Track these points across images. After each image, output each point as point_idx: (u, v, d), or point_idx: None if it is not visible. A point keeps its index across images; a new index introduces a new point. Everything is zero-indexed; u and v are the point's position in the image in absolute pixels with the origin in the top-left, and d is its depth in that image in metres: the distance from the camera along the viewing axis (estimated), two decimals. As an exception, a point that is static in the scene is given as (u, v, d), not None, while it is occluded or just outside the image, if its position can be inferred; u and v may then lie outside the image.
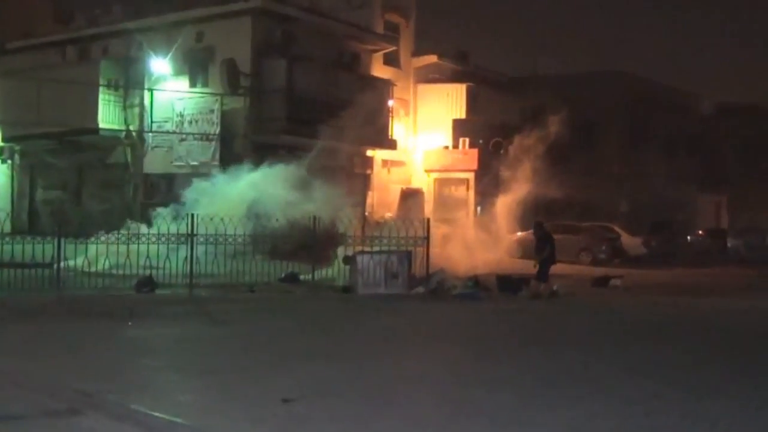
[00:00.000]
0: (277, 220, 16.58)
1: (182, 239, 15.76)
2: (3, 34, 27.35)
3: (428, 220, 17.18)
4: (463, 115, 27.86)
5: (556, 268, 19.22)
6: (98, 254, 15.90)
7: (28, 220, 26.27)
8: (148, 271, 15.84)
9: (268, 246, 17.23)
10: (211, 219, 15.74)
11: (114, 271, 16.04)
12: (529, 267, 21.14)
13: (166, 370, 8.93)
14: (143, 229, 17.21)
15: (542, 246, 16.98)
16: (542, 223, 17.77)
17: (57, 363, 9.05)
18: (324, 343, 10.77)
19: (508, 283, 17.47)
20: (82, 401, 7.23)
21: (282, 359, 9.48)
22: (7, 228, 18.12)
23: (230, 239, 15.95)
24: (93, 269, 15.86)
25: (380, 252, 16.66)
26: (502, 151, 25.71)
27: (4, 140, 26.88)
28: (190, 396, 7.64)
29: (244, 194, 19.01)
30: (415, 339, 11.63)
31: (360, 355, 9.95)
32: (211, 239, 15.87)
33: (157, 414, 6.82)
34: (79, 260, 15.95)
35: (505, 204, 24.41)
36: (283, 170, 19.81)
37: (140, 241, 15.82)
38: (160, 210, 18.81)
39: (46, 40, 26.77)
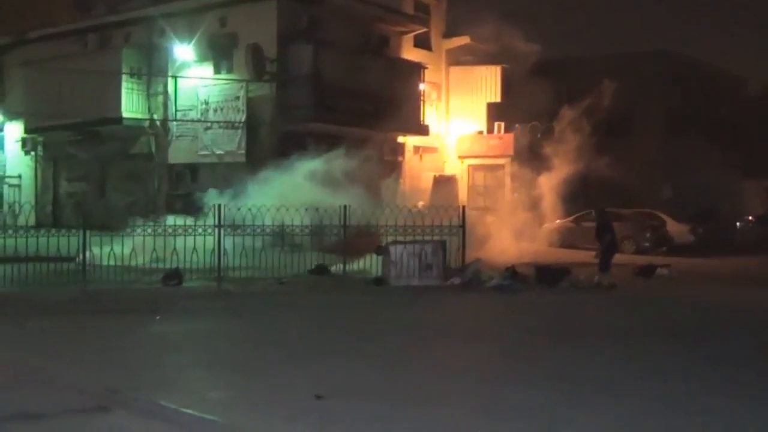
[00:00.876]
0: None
1: (209, 230, 15.19)
2: (23, 24, 26.93)
3: (464, 208, 16.32)
4: (498, 99, 26.89)
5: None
6: (124, 247, 15.32)
7: (53, 213, 25.87)
8: (175, 264, 15.34)
9: (327, 239, 16.47)
10: (244, 209, 15.16)
11: (141, 265, 15.54)
12: (570, 256, 20.24)
13: (194, 365, 8.71)
14: (174, 220, 16.51)
15: (603, 233, 16.07)
16: (605, 209, 16.73)
17: (83, 359, 8.85)
18: (355, 338, 10.42)
19: (547, 274, 16.59)
20: (110, 398, 7.15)
21: (312, 353, 9.20)
22: (32, 221, 17.73)
23: (258, 230, 15.34)
24: (119, 263, 15.33)
25: (414, 242, 15.89)
26: (539, 136, 24.70)
27: (26, 132, 26.49)
28: (220, 392, 7.38)
29: (299, 185, 18.34)
30: (449, 334, 11.11)
31: (392, 350, 9.55)
32: (239, 230, 15.27)
33: (187, 410, 6.61)
34: (105, 253, 15.46)
35: (542, 191, 23.50)
36: (330, 161, 19.18)
37: (167, 233, 15.26)
38: (211, 192, 18.19)
39: (66, 29, 26.26)
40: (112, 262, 15.34)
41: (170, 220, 16.26)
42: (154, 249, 15.35)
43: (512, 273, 16.36)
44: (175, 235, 15.29)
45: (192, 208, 18.91)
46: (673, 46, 30.84)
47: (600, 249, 16.20)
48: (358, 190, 18.54)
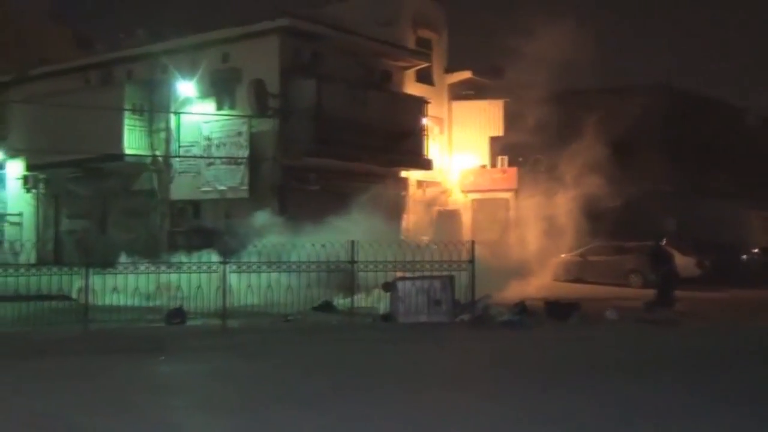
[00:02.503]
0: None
1: (214, 267, 14.97)
2: (25, 61, 26.95)
3: (473, 242, 16.09)
4: (500, 132, 26.85)
5: (604, 292, 17.90)
6: (127, 285, 15.07)
7: (54, 251, 25.61)
8: (179, 302, 15.11)
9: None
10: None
11: (143, 303, 15.28)
12: (577, 290, 19.96)
13: (200, 409, 8.39)
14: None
15: (658, 265, 15.75)
16: (662, 237, 16.34)
17: (84, 402, 8.53)
18: (365, 377, 10.12)
19: (557, 309, 16.36)
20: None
21: (320, 395, 8.90)
22: (33, 259, 17.53)
23: (264, 267, 15.10)
24: (122, 301, 15.06)
25: (422, 277, 15.63)
26: (542, 169, 24.60)
27: (28, 169, 26.33)
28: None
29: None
30: (464, 371, 10.84)
31: (405, 391, 9.19)
32: (244, 267, 15.05)
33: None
34: (107, 291, 15.20)
35: (547, 224, 23.31)
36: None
37: (171, 271, 15.03)
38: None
39: (68, 66, 26.27)
40: (114, 301, 15.12)
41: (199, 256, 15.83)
42: (158, 286, 15.11)
43: (522, 308, 16.11)
44: (180, 272, 15.06)
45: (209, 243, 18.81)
46: (670, 79, 30.91)
47: (657, 281, 15.83)
48: (362, 225, 18.36)
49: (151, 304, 15.50)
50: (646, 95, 28.75)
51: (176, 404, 8.62)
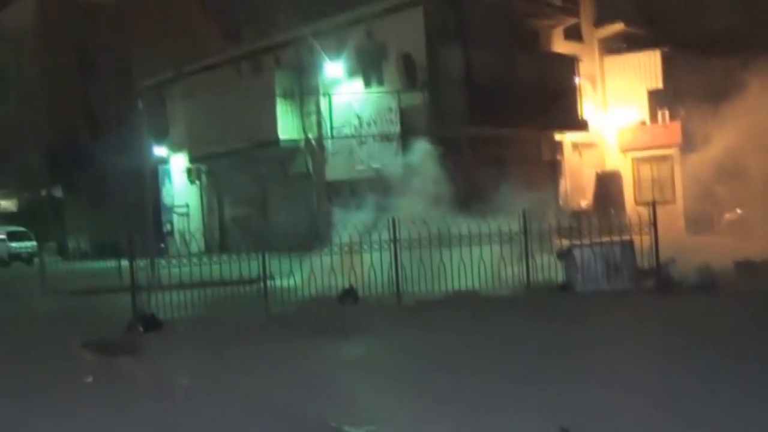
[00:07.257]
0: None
1: (384, 246, 14.92)
2: (179, 59, 28.06)
3: (654, 203, 15.15)
4: (660, 85, 25.26)
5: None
6: (302, 268, 15.31)
7: (220, 238, 26.68)
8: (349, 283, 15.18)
9: None
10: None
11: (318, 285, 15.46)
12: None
13: (403, 393, 8.07)
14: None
15: None
16: None
17: (293, 388, 8.48)
18: (569, 354, 9.49)
19: (749, 270, 15.12)
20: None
21: (535, 375, 8.41)
22: (201, 247, 18.19)
23: (435, 242, 14.89)
24: (300, 285, 15.32)
25: (600, 244, 14.91)
26: (710, 121, 22.94)
27: (191, 162, 27.54)
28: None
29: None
30: (668, 343, 10.06)
31: (620, 369, 8.63)
32: (415, 243, 14.89)
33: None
34: (282, 275, 15.52)
35: (718, 180, 21.72)
36: None
37: (343, 251, 15.11)
38: None
39: (220, 59, 27.13)
40: (290, 283, 15.40)
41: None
42: (332, 268, 15.22)
43: (708, 270, 15.03)
44: (351, 253, 15.12)
45: None
46: None
47: None
48: (519, 192, 17.76)
49: (324, 284, 15.64)
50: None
51: (380, 386, 8.52)
